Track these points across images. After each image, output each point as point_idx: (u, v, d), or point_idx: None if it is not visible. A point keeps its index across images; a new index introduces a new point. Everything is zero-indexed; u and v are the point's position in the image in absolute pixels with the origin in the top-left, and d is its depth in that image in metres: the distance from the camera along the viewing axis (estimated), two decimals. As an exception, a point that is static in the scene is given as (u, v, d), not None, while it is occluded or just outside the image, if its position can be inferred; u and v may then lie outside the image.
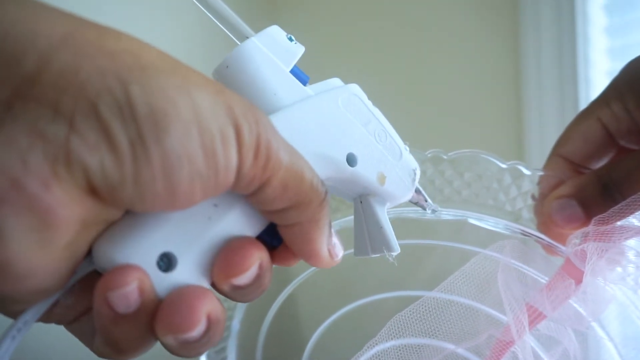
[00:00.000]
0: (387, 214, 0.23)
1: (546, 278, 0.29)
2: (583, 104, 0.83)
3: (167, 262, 0.19)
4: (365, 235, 0.24)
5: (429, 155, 0.27)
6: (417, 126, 1.00)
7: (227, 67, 0.21)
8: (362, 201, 0.23)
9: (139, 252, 0.18)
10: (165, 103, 0.15)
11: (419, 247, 0.30)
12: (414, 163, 0.24)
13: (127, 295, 0.17)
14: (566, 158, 0.29)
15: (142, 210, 0.17)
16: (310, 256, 0.21)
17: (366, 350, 0.29)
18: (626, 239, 0.25)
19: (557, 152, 0.29)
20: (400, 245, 0.24)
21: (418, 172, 0.24)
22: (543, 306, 0.27)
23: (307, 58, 1.05)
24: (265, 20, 1.23)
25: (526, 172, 0.28)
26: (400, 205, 0.26)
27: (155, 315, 0.18)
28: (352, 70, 1.08)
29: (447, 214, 0.27)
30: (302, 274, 0.31)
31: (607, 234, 0.26)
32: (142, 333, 0.18)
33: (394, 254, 0.23)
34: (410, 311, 0.29)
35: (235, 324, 0.29)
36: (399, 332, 0.28)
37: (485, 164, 0.28)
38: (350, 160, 0.22)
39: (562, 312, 0.27)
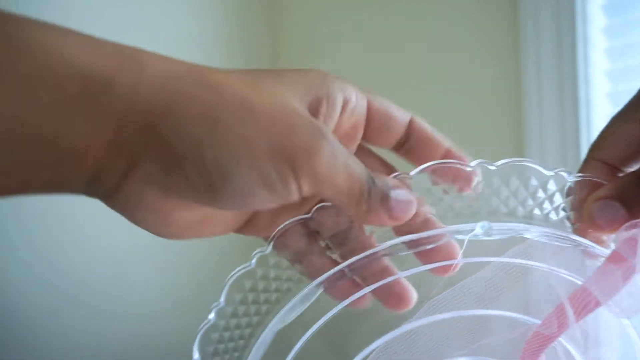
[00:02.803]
0: None
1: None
2: (583, 104, 0.83)
3: None
4: None
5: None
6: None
7: None
8: None
9: None
10: (232, 160, 0.22)
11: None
12: None
13: None
14: (605, 162, 0.28)
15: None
16: None
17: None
18: None
19: (595, 156, 0.28)
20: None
21: None
22: (596, 291, 0.26)
23: (305, 59, 1.04)
24: (264, 19, 1.22)
25: (569, 178, 0.27)
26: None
27: None
28: (350, 73, 1.07)
29: (499, 231, 0.26)
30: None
31: None
32: None
33: None
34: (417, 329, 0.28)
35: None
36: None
37: (529, 172, 0.27)
38: None
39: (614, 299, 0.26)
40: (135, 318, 1.00)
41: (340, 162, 0.23)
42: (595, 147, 0.28)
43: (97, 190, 0.23)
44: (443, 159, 0.29)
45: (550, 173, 0.27)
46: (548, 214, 0.27)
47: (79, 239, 0.91)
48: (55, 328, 0.88)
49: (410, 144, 0.30)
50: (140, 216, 0.24)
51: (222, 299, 0.26)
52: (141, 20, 0.93)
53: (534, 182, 0.27)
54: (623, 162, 0.28)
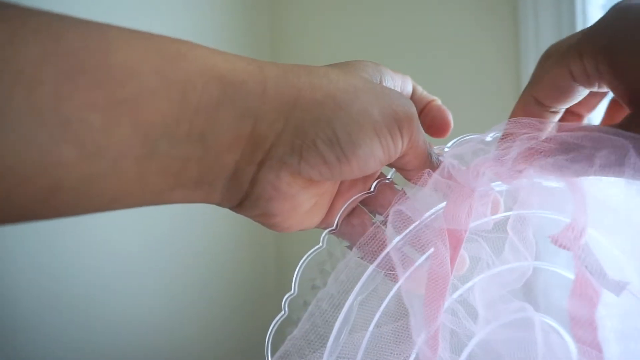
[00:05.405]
0: None
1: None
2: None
3: None
4: None
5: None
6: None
7: None
8: None
9: None
10: (359, 130, 0.25)
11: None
12: None
13: None
14: (536, 99, 0.31)
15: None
16: None
17: None
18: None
19: (530, 91, 0.31)
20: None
21: None
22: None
23: (305, 55, 1.04)
24: (264, 17, 1.23)
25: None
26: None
27: None
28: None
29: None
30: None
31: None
32: None
33: None
34: None
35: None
36: None
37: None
38: None
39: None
40: (137, 319, 1.00)
41: (421, 126, 0.29)
42: (531, 83, 0.31)
43: (235, 190, 0.26)
44: (428, 111, 0.34)
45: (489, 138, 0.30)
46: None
47: (81, 238, 0.92)
48: (57, 329, 0.89)
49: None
50: (273, 207, 0.27)
51: (295, 283, 0.29)
52: (138, 16, 0.94)
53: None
54: (551, 101, 0.31)
